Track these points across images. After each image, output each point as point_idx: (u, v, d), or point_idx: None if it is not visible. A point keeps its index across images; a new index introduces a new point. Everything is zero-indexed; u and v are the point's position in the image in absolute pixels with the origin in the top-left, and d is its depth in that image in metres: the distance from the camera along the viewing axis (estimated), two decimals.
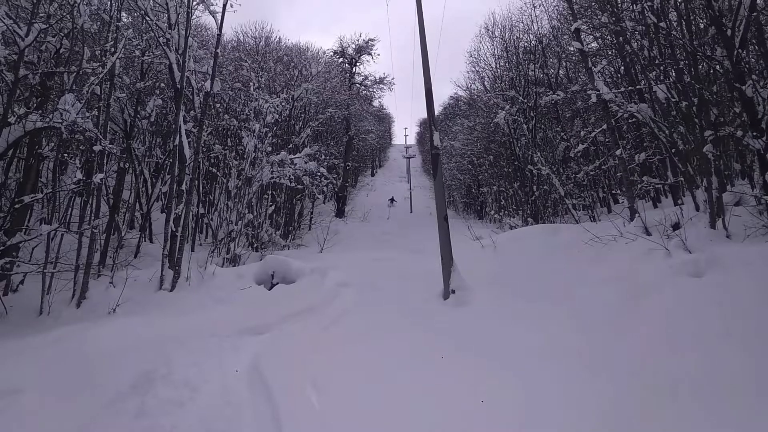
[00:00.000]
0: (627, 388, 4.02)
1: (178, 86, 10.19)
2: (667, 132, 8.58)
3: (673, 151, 8.74)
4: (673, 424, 3.52)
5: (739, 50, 6.60)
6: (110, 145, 8.65)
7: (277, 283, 9.93)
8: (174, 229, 9.55)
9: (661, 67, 8.82)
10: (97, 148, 8.32)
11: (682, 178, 8.77)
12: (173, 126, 10.28)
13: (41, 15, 7.92)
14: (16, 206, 7.50)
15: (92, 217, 8.63)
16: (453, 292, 7.54)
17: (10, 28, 7.25)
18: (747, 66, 7.03)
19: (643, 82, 10.14)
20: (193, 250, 12.77)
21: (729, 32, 6.69)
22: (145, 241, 13.64)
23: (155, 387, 5.06)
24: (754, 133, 6.48)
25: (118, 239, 11.92)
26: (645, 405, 3.76)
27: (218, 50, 11.14)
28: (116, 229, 12.03)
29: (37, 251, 8.67)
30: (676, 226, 7.21)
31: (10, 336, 6.40)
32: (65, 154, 10.04)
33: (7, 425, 4.02)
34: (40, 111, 7.80)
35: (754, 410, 3.37)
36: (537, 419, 3.92)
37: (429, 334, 6.20)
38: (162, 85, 14.72)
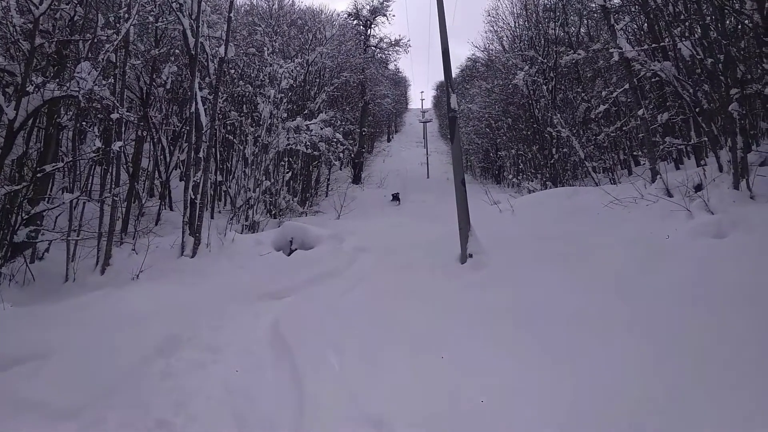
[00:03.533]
0: (646, 356, 3.89)
1: (193, 52, 10.13)
2: (691, 91, 8.33)
3: (697, 110, 8.49)
4: (693, 395, 3.43)
5: None
6: (127, 113, 8.68)
7: (296, 249, 10.04)
8: (193, 197, 9.64)
9: (686, 23, 8.50)
10: (114, 116, 8.36)
11: (705, 138, 8.54)
12: (189, 93, 10.27)
13: None
14: (38, 175, 7.62)
15: (113, 185, 8.74)
16: (470, 256, 7.52)
17: None
18: None
19: (667, 39, 9.79)
20: (212, 217, 12.93)
21: None
22: (165, 208, 13.83)
23: (180, 350, 5.22)
24: None
25: (138, 207, 12.10)
26: (665, 379, 3.64)
27: (231, 14, 10.99)
28: (137, 197, 12.20)
29: (60, 219, 8.83)
30: (698, 188, 7.05)
31: (37, 302, 6.60)
32: (84, 123, 10.09)
33: (35, 389, 4.16)
34: (58, 80, 7.84)
35: None
36: (551, 389, 3.94)
37: (446, 298, 6.23)
38: (177, 51, 14.64)
